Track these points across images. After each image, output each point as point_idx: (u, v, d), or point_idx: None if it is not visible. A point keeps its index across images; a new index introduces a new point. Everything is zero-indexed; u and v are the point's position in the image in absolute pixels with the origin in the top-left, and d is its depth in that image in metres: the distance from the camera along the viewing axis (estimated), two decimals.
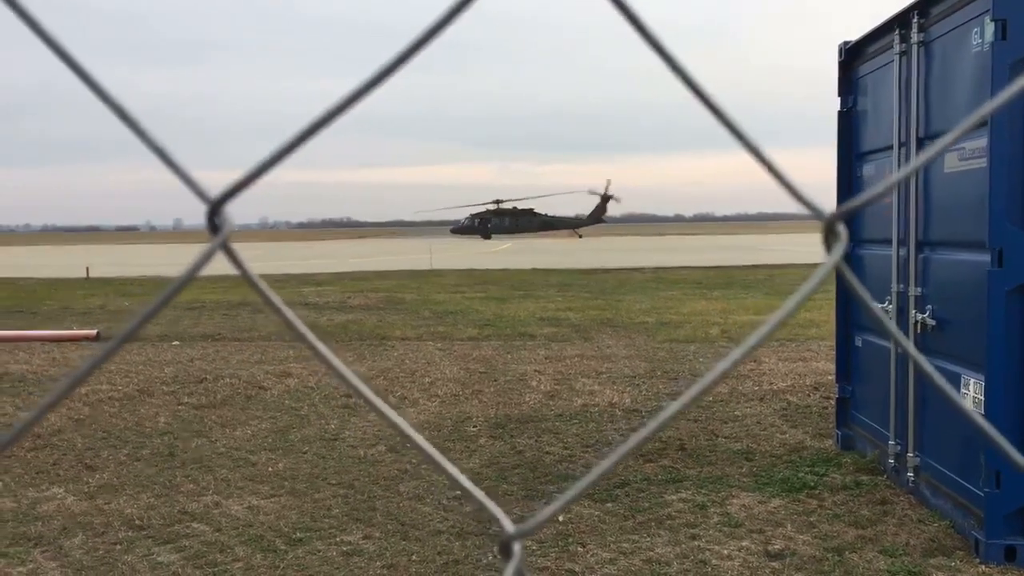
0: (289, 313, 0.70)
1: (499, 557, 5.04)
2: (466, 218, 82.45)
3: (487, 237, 78.24)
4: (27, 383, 10.46)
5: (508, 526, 0.70)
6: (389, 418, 0.72)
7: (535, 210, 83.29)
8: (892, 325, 0.69)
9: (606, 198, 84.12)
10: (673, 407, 0.66)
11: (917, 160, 0.68)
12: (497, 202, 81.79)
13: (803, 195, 0.66)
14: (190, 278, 0.68)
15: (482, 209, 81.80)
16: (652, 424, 0.68)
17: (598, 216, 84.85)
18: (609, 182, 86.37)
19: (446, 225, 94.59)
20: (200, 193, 0.67)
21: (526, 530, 0.69)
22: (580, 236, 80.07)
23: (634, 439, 0.68)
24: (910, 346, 0.69)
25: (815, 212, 0.65)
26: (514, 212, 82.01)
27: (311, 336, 0.72)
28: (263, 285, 0.70)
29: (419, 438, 0.73)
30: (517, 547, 0.70)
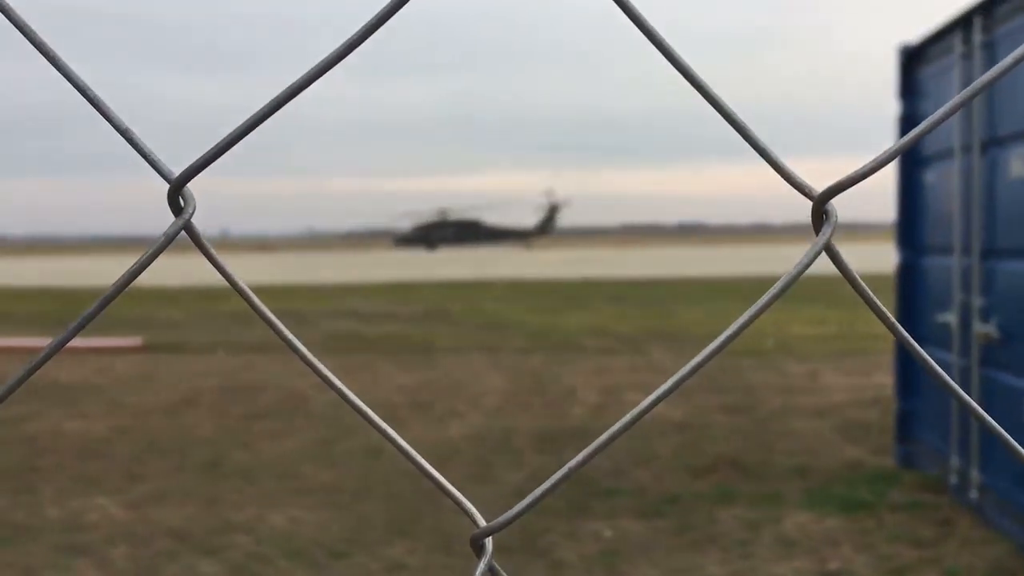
0: (252, 296, 0.70)
1: (544, 574, 4.91)
2: (411, 229, 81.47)
3: (432, 248, 77.13)
4: (75, 392, 10.57)
5: (480, 522, 0.71)
6: (356, 405, 0.72)
7: (480, 221, 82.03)
8: (882, 309, 0.67)
9: (554, 208, 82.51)
10: (647, 401, 0.65)
11: (910, 136, 0.65)
12: (441, 212, 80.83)
13: (792, 175, 0.65)
14: (151, 260, 0.68)
15: (427, 221, 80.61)
16: (626, 418, 0.67)
17: (546, 227, 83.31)
18: (551, 190, 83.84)
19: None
20: (162, 173, 0.66)
21: (497, 526, 0.70)
22: (529, 247, 78.29)
23: (606, 435, 0.67)
24: (898, 327, 0.69)
25: (804, 192, 0.64)
26: (459, 223, 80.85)
27: (272, 318, 0.72)
28: (228, 269, 0.69)
29: (390, 430, 0.72)
30: (489, 543, 0.71)
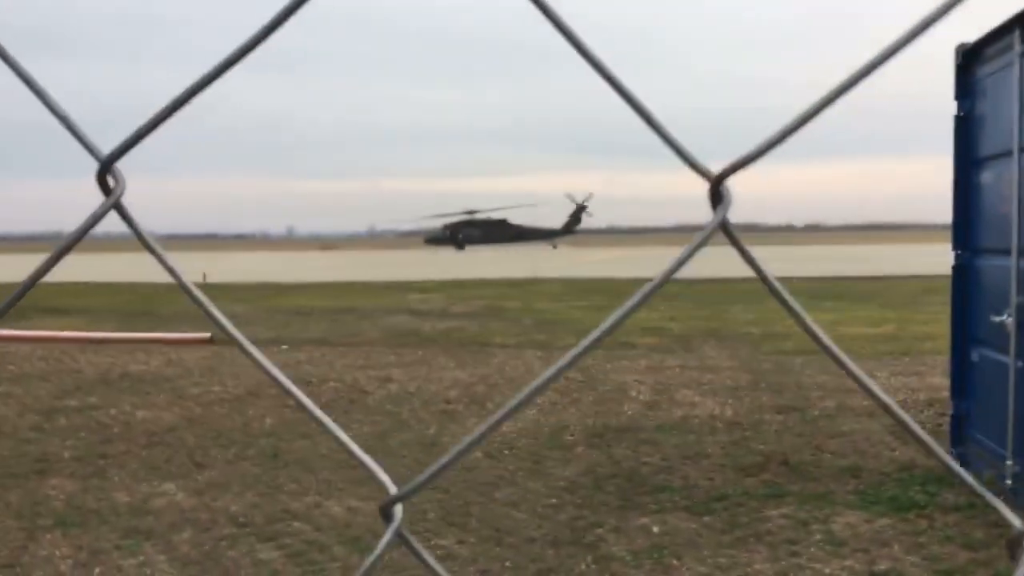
0: (186, 282, 0.71)
1: (592, 567, 5.00)
2: (439, 228, 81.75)
3: (460, 247, 77.33)
4: (145, 383, 10.94)
5: (391, 488, 0.71)
6: (277, 379, 0.74)
7: (508, 220, 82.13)
8: (778, 288, 0.66)
9: (580, 208, 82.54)
10: (540, 379, 0.67)
11: (800, 117, 0.62)
12: (470, 212, 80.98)
13: (687, 154, 0.64)
14: (81, 236, 0.68)
15: (456, 220, 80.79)
16: (521, 395, 0.68)
17: (571, 227, 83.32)
18: (591, 195, 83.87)
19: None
20: (92, 151, 0.65)
21: (406, 493, 0.70)
22: (555, 247, 78.19)
23: (502, 412, 0.69)
24: (798, 311, 0.69)
25: (700, 171, 0.63)
26: (486, 223, 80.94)
27: (205, 300, 0.74)
28: (159, 249, 0.70)
29: (306, 400, 0.74)
30: (398, 510, 0.71)
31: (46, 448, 7.78)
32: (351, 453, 0.73)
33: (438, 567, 0.72)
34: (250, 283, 31.96)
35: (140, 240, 0.69)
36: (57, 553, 5.28)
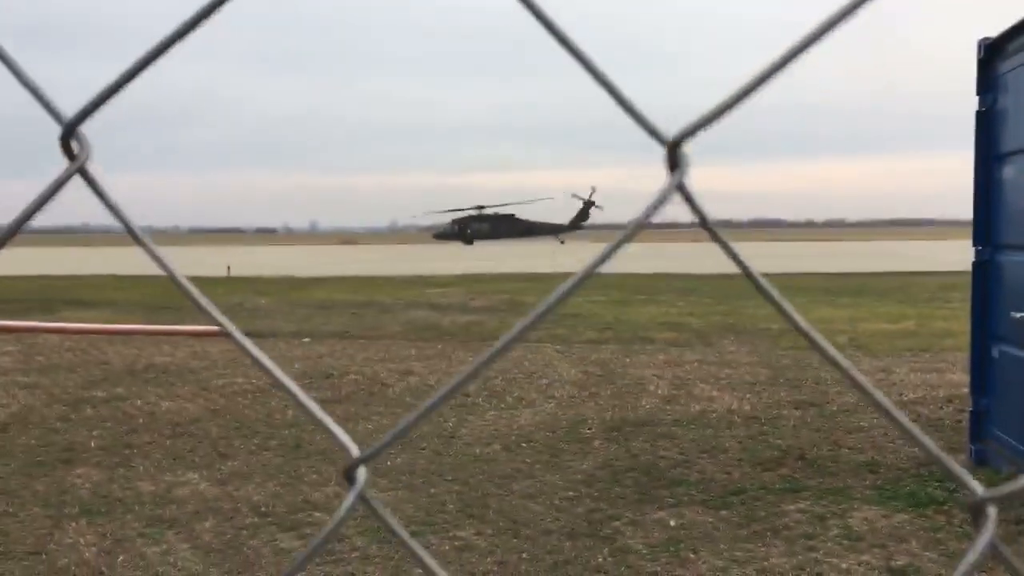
0: (152, 246, 0.71)
1: (609, 559, 5.05)
2: (448, 223, 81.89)
3: (469, 242, 77.48)
4: (170, 374, 11.08)
5: (353, 451, 0.71)
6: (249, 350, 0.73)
7: (516, 215, 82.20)
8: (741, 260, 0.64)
9: (588, 204, 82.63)
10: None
11: (758, 76, 0.65)
12: (479, 207, 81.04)
13: (644, 118, 0.63)
14: (43, 203, 0.67)
15: (464, 215, 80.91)
16: (475, 363, 0.69)
17: (579, 222, 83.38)
18: (593, 189, 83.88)
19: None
20: (55, 114, 0.65)
21: (368, 455, 0.70)
22: (562, 242, 78.20)
23: (469, 368, 0.69)
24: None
25: (655, 135, 0.62)
26: (495, 217, 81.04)
27: (184, 280, 0.75)
28: (128, 218, 0.69)
29: (276, 370, 0.73)
30: (361, 472, 0.71)
31: (73, 437, 7.91)
32: (314, 418, 0.73)
33: (402, 532, 0.71)
34: (273, 276, 32.17)
35: (107, 207, 0.67)
36: (82, 541, 5.38)
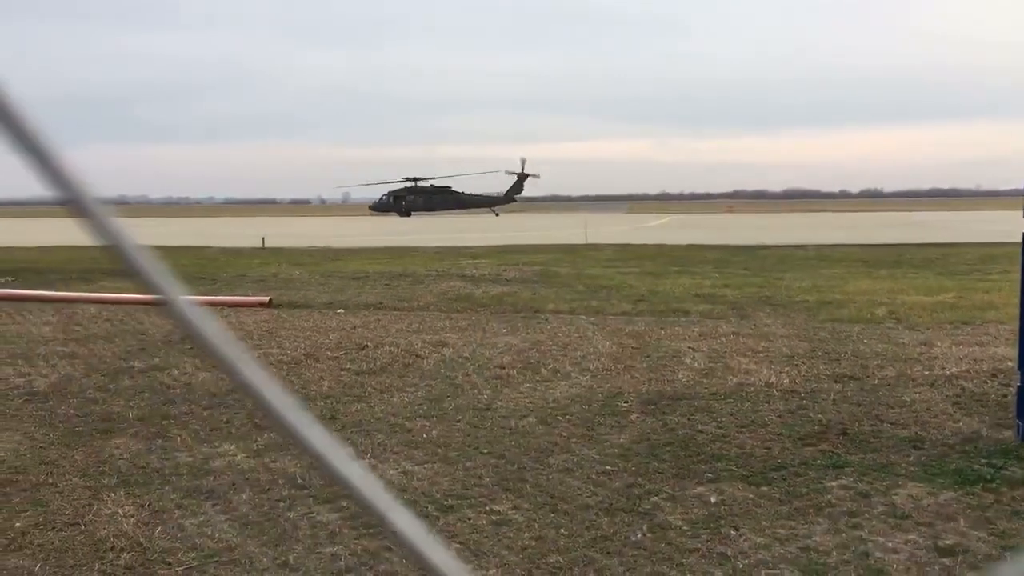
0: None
1: (648, 535, 4.98)
2: (383, 196, 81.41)
3: (405, 215, 77.07)
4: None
5: None
6: None
7: (451, 188, 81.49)
8: None
9: (523, 176, 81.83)
10: None
11: None
12: (414, 180, 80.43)
13: None
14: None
15: (398, 187, 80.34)
16: None
17: (512, 195, 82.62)
18: (524, 160, 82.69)
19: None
20: None
21: None
22: (496, 215, 77.44)
23: None
24: None
25: None
26: (430, 190, 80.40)
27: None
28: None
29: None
30: None
31: (111, 408, 7.96)
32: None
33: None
34: (307, 247, 32.29)
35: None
36: (120, 512, 5.40)
